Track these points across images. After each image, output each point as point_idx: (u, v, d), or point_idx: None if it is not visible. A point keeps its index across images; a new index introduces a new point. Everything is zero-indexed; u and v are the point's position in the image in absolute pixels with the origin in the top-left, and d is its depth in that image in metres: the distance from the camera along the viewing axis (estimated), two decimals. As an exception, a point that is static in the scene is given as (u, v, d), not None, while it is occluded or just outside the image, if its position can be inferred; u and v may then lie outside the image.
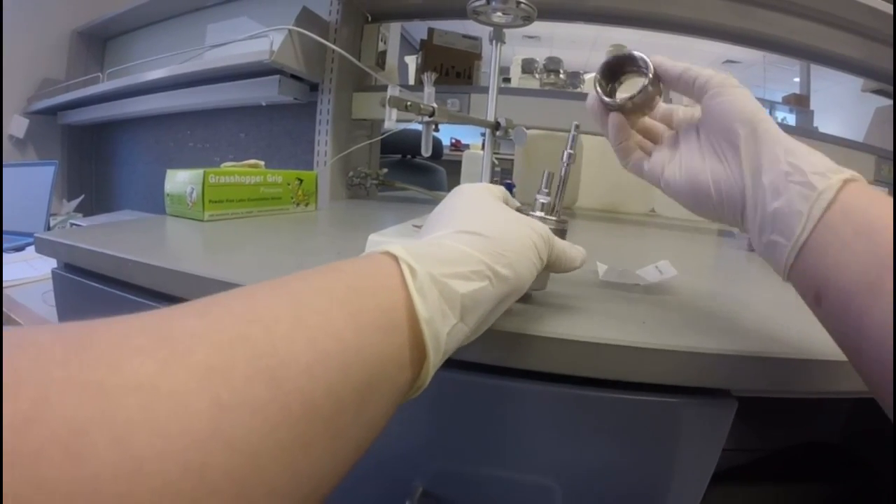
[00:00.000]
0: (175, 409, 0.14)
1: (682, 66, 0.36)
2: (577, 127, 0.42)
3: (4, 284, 1.12)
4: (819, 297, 0.28)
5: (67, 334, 0.14)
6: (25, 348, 0.13)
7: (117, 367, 0.14)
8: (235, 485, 0.14)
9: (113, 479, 0.12)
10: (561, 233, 0.40)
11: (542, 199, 0.41)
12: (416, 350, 0.22)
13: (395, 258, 0.24)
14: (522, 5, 0.70)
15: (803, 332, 0.37)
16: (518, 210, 0.41)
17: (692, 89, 0.35)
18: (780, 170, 0.29)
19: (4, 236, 1.51)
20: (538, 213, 0.40)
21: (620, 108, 0.38)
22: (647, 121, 0.42)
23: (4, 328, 0.13)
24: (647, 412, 0.36)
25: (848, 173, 0.28)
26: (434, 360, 0.23)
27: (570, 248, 0.37)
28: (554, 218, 0.40)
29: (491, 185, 0.36)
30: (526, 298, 0.40)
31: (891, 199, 0.27)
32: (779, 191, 0.29)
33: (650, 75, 0.37)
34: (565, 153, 0.42)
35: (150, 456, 0.13)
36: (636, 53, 0.38)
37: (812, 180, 0.28)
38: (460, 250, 0.26)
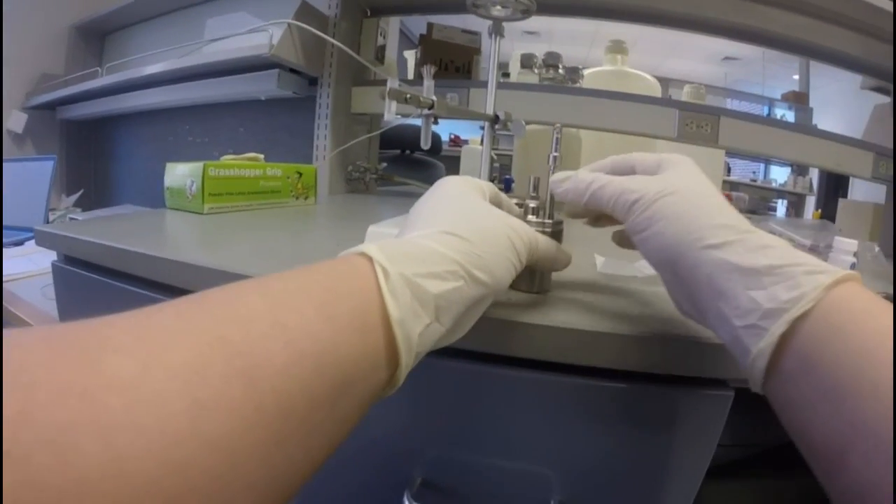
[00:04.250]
0: (156, 409, 0.14)
1: (588, 189, 0.34)
2: (559, 128, 0.41)
3: (4, 279, 1.11)
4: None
5: (51, 336, 0.15)
6: (10, 351, 0.13)
7: (99, 368, 0.14)
8: (214, 481, 0.15)
9: (100, 479, 0.12)
10: (556, 235, 0.40)
11: (531, 203, 0.40)
12: (390, 350, 0.23)
13: (370, 259, 0.24)
14: (521, -1, 0.71)
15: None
16: (518, 206, 0.41)
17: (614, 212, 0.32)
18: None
19: (4, 231, 1.51)
20: (532, 218, 0.40)
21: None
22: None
23: None
24: (642, 401, 0.37)
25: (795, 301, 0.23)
26: (406, 361, 0.23)
27: (558, 252, 0.36)
28: (550, 221, 0.40)
29: (475, 180, 0.35)
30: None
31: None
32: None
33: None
34: (550, 157, 0.41)
35: (133, 455, 0.13)
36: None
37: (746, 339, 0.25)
38: (435, 250, 0.26)
